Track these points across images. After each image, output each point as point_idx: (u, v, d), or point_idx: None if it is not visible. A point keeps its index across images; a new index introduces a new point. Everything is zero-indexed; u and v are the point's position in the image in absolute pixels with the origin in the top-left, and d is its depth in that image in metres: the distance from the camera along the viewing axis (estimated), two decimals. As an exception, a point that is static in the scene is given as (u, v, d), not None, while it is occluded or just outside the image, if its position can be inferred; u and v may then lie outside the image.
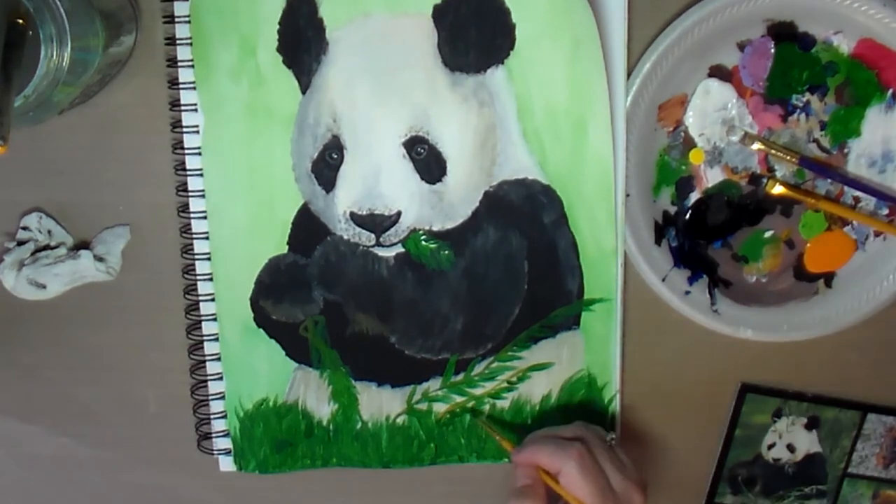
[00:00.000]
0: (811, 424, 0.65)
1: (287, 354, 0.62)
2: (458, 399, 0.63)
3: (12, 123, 0.45)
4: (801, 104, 0.58)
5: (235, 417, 0.63)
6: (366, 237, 0.59)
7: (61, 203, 0.61)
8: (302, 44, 0.57)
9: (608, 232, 0.60)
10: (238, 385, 0.63)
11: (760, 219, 0.61)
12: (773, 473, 0.66)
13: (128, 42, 0.56)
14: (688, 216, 0.61)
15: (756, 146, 0.59)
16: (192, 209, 0.60)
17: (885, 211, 0.60)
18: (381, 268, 0.60)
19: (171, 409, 0.64)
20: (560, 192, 0.59)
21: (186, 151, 0.59)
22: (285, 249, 0.60)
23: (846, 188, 0.60)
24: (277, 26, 0.56)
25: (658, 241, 0.60)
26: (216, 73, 0.57)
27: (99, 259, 0.60)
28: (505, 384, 0.63)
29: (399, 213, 0.58)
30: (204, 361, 0.63)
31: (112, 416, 0.65)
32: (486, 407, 0.63)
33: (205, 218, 0.60)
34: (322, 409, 0.63)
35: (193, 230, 0.60)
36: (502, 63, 0.57)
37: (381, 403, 0.63)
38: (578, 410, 0.63)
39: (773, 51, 0.57)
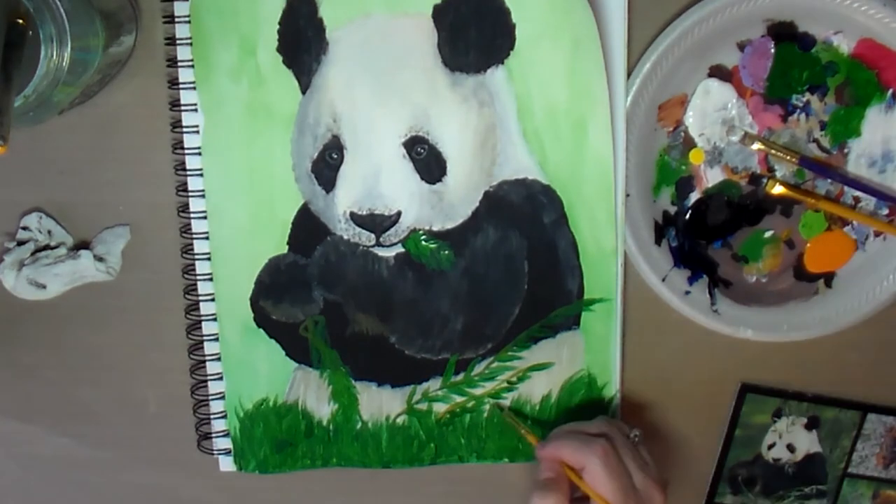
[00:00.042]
0: (811, 424, 0.65)
1: (287, 354, 0.62)
2: (458, 399, 0.63)
3: (12, 123, 0.45)
4: (801, 104, 0.58)
5: (235, 417, 0.63)
6: (366, 237, 0.59)
7: (61, 203, 0.61)
8: (302, 44, 0.57)
9: (608, 232, 0.60)
10: (238, 385, 0.63)
11: (760, 219, 0.61)
12: (773, 473, 0.66)
13: (128, 42, 0.56)
14: (688, 216, 0.61)
15: (756, 146, 0.59)
16: (192, 209, 0.60)
17: (885, 211, 0.60)
18: (381, 268, 0.60)
19: (171, 409, 0.64)
20: (560, 192, 0.59)
21: (186, 151, 0.59)
22: (285, 249, 0.60)
23: (846, 188, 0.60)
24: (277, 26, 0.56)
25: (658, 241, 0.60)
26: (216, 73, 0.57)
27: (99, 259, 0.60)
28: (505, 384, 0.63)
29: (399, 213, 0.58)
30: (204, 361, 0.63)
31: (112, 416, 0.65)
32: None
33: (205, 218, 0.60)
34: (322, 409, 0.63)
35: (193, 230, 0.60)
36: (502, 63, 0.57)
37: (381, 403, 0.63)
38: (578, 410, 0.63)
39: (773, 51, 0.57)
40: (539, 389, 0.63)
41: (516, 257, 0.60)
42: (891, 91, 0.58)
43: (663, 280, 0.60)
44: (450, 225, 0.59)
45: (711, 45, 0.57)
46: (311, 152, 0.58)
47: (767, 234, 0.61)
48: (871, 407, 0.65)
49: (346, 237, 0.59)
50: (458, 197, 0.59)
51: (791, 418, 0.65)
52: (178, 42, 0.57)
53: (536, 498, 0.54)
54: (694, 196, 0.60)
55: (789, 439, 0.65)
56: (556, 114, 0.57)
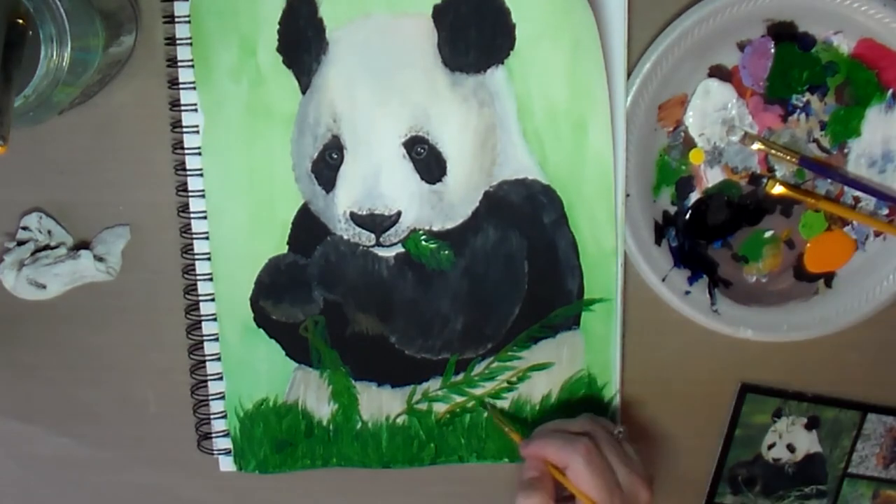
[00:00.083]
0: (811, 424, 0.65)
1: (287, 354, 0.62)
2: (458, 399, 0.63)
3: (12, 123, 0.45)
4: (801, 104, 0.58)
5: (235, 417, 0.63)
6: (366, 237, 0.59)
7: (61, 203, 0.61)
8: (302, 44, 0.57)
9: (608, 232, 0.60)
10: (238, 385, 0.63)
11: (760, 219, 0.61)
12: (773, 473, 0.66)
13: (128, 42, 0.56)
14: (688, 216, 0.61)
15: (756, 146, 0.59)
16: (192, 209, 0.60)
17: (885, 211, 0.60)
18: (381, 268, 0.60)
19: (171, 409, 0.64)
20: (560, 192, 0.59)
21: (186, 151, 0.59)
22: (285, 249, 0.60)
23: (846, 188, 0.60)
24: (277, 26, 0.56)
25: (658, 241, 0.60)
26: (216, 73, 0.57)
27: (99, 259, 0.60)
28: (505, 384, 0.63)
29: (399, 213, 0.58)
30: (204, 361, 0.63)
31: (112, 416, 0.65)
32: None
33: (205, 218, 0.60)
34: (322, 409, 0.63)
35: (193, 230, 0.60)
36: (502, 63, 0.57)
37: (381, 403, 0.63)
38: (578, 410, 0.63)
39: (773, 51, 0.57)
40: (539, 389, 0.63)
41: (516, 257, 0.60)
42: (891, 91, 0.58)
43: (663, 280, 0.60)
44: (450, 225, 0.59)
45: (711, 45, 0.57)
46: (311, 152, 0.58)
47: (767, 234, 0.61)
48: (871, 407, 0.65)
49: (346, 237, 0.59)
50: (458, 197, 0.59)
51: (791, 418, 0.65)
52: (178, 42, 0.57)
53: (521, 497, 0.54)
54: (694, 196, 0.60)
55: (789, 439, 0.65)
56: (556, 114, 0.57)
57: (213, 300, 0.61)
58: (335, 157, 0.58)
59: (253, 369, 0.62)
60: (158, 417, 0.65)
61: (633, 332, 0.62)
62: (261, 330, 0.62)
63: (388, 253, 0.60)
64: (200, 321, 0.62)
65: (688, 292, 0.61)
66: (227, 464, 0.65)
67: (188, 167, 0.59)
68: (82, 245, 0.61)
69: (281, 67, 0.57)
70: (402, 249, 0.60)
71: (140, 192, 0.60)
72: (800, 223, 0.61)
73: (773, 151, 0.59)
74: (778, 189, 0.59)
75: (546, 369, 0.63)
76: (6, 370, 0.64)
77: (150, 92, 0.58)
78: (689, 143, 0.59)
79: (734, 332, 0.62)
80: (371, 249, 0.60)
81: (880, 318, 0.61)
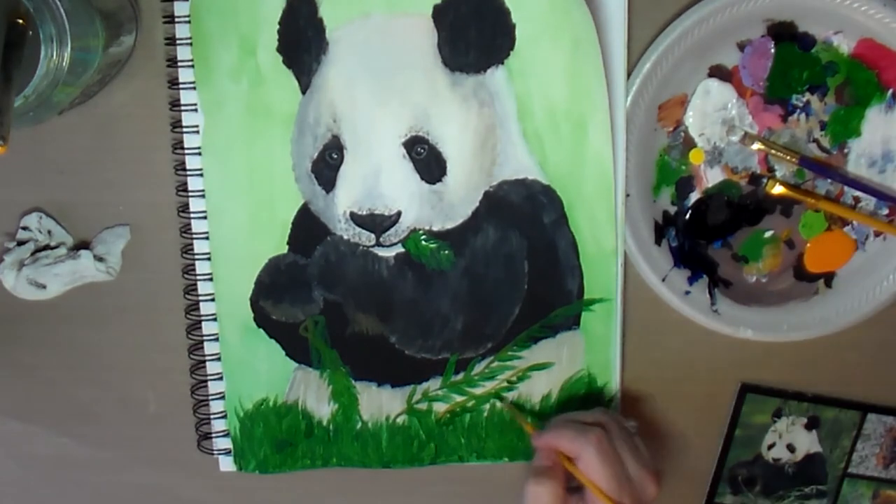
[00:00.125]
0: (811, 424, 0.65)
1: (287, 354, 0.62)
2: (458, 399, 0.63)
3: (12, 123, 0.45)
4: (801, 104, 0.58)
5: (235, 417, 0.63)
6: (366, 237, 0.59)
7: (61, 203, 0.61)
8: (302, 44, 0.57)
9: (608, 232, 0.60)
10: (238, 385, 0.63)
11: (760, 219, 0.61)
12: (773, 473, 0.66)
13: (128, 42, 0.56)
14: (688, 216, 0.61)
15: (756, 146, 0.59)
16: (192, 209, 0.60)
17: (885, 211, 0.60)
18: (381, 268, 0.60)
19: (171, 409, 0.64)
20: (560, 192, 0.59)
21: (186, 151, 0.59)
22: (285, 249, 0.60)
23: (846, 188, 0.60)
24: (277, 26, 0.56)
25: (658, 241, 0.60)
26: (216, 73, 0.57)
27: (99, 259, 0.60)
28: (505, 384, 0.63)
29: (399, 213, 0.58)
30: (204, 361, 0.63)
31: (112, 417, 0.65)
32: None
33: (205, 218, 0.60)
34: (322, 409, 0.63)
35: (193, 230, 0.60)
36: (502, 63, 0.57)
37: (381, 403, 0.63)
38: (578, 410, 0.63)
39: (773, 51, 0.57)
40: (539, 389, 0.63)
41: (516, 257, 0.60)
42: (891, 91, 0.58)
43: (663, 280, 0.60)
44: (450, 225, 0.59)
45: (711, 45, 0.57)
46: (311, 152, 0.58)
47: (767, 234, 0.61)
48: (871, 407, 0.65)
49: (346, 237, 0.59)
50: (458, 197, 0.59)
51: (791, 418, 0.65)
52: (178, 42, 0.57)
53: (531, 485, 0.54)
54: (694, 196, 0.60)
55: (789, 439, 0.65)
56: (555, 114, 0.57)
57: (213, 300, 0.61)
58: (335, 157, 0.58)
59: (253, 369, 0.62)
60: (158, 417, 0.65)
61: (633, 332, 0.62)
62: (261, 330, 0.62)
63: (388, 253, 0.60)
64: (200, 321, 0.62)
65: (688, 292, 0.61)
66: (227, 464, 0.65)
67: (188, 167, 0.59)
68: (82, 245, 0.61)
69: (281, 67, 0.57)
70: (402, 249, 0.60)
71: (140, 192, 0.60)
72: (800, 223, 0.61)
73: (773, 151, 0.59)
74: (778, 189, 0.59)
75: (546, 369, 0.63)
76: (6, 370, 0.64)
77: (150, 92, 0.58)
78: (689, 143, 0.59)
79: (734, 332, 0.62)
80: (371, 249, 0.60)
81: (880, 318, 0.61)
